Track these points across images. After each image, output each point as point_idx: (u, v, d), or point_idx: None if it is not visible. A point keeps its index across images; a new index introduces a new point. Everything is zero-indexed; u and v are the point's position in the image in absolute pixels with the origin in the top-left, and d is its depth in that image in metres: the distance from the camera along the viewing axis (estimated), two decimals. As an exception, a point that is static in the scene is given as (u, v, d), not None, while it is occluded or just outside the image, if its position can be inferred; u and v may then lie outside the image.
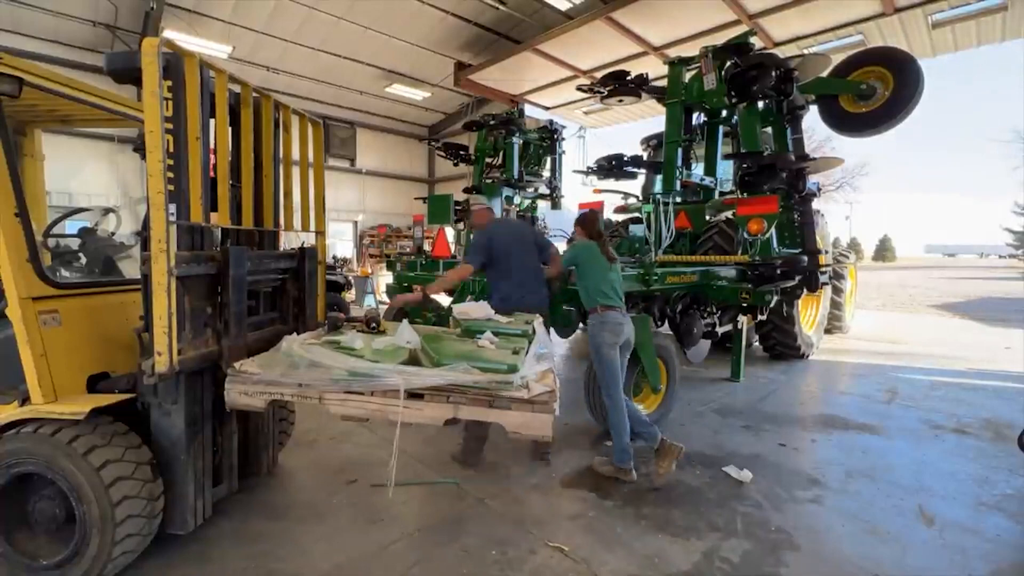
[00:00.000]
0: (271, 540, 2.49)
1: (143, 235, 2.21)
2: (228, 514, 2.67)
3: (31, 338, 2.10)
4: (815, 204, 5.79)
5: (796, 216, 5.46)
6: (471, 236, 4.15)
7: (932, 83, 5.40)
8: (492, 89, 12.96)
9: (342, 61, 12.75)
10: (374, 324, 2.82)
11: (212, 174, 2.35)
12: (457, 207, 8.12)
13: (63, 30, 10.32)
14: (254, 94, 2.62)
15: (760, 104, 5.29)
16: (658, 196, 5.59)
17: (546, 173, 9.18)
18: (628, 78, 6.35)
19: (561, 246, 7.41)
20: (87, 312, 2.41)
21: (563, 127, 9.23)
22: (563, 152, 9.21)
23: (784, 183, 5.03)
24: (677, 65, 5.85)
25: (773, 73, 4.93)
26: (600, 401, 3.53)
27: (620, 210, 7.65)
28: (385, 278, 10.64)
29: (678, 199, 6.03)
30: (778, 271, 4.81)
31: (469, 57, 12.60)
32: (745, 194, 5.17)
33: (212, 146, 2.38)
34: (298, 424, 3.58)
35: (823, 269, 5.56)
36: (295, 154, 2.98)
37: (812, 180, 5.82)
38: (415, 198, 11.80)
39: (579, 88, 7.85)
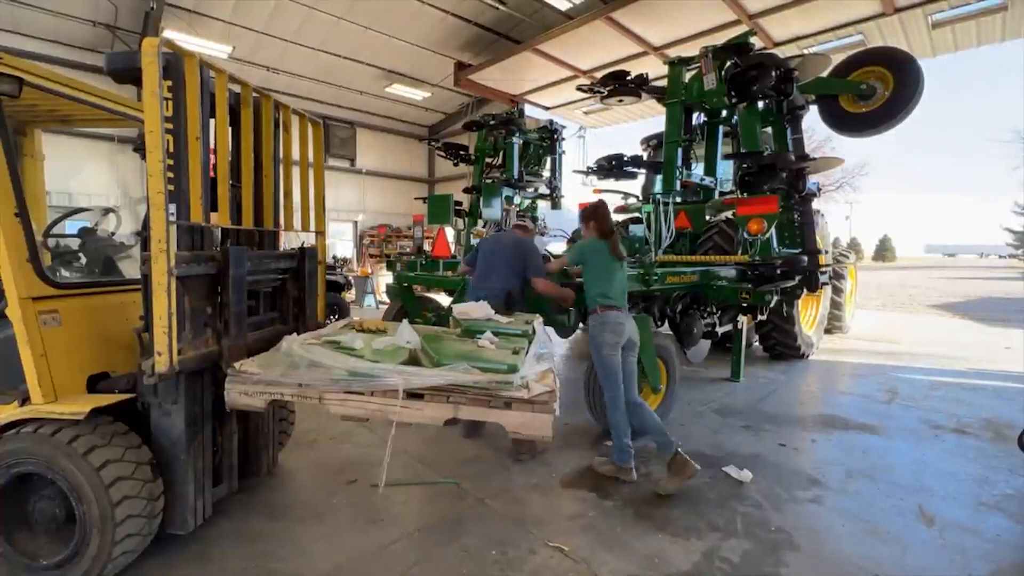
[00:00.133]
0: (271, 540, 2.49)
1: (143, 235, 2.21)
2: (228, 514, 2.67)
3: (31, 338, 2.10)
4: (815, 204, 5.79)
5: (796, 216, 5.46)
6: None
7: (932, 83, 5.40)
8: (492, 89, 12.96)
9: (342, 61, 12.76)
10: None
11: (212, 174, 2.35)
12: (457, 207, 8.13)
13: (63, 30, 10.33)
14: (254, 94, 2.62)
15: (760, 104, 5.29)
16: (658, 196, 5.59)
17: (546, 173, 9.18)
18: (628, 78, 6.35)
19: (561, 246, 7.45)
20: (87, 312, 2.41)
21: (563, 127, 9.23)
22: (563, 152, 9.21)
23: (784, 183, 5.03)
24: (677, 65, 5.85)
25: (773, 73, 4.94)
26: (600, 401, 3.53)
27: (620, 210, 7.65)
28: (385, 278, 10.65)
29: (678, 199, 6.03)
30: (778, 271, 4.81)
31: (469, 57, 12.61)
32: (745, 194, 5.17)
33: (212, 146, 2.38)
34: (298, 424, 3.58)
35: (823, 269, 5.56)
36: (295, 154, 2.98)
37: (812, 180, 5.82)
38: (415, 198, 11.80)
39: (579, 88, 7.85)
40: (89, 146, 10.95)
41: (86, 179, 10.78)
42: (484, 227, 7.98)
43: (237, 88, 2.54)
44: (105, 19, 10.19)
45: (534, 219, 8.78)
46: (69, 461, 1.98)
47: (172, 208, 2.01)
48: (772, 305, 4.87)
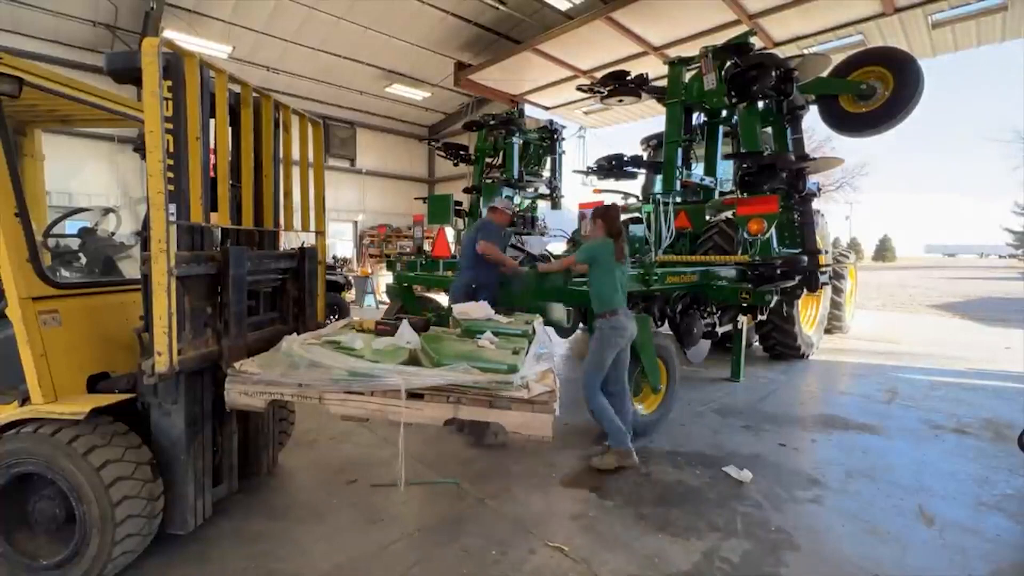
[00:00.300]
0: (271, 540, 2.49)
1: (143, 235, 2.21)
2: (228, 514, 2.67)
3: (31, 338, 2.10)
4: (815, 204, 5.78)
5: (796, 216, 5.46)
6: None
7: (932, 83, 5.40)
8: (492, 89, 12.96)
9: (342, 61, 12.76)
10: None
11: (212, 174, 2.35)
12: (457, 207, 8.12)
13: (63, 30, 10.32)
14: (254, 94, 2.62)
15: (760, 104, 5.29)
16: (658, 196, 5.59)
17: (546, 173, 9.17)
18: (628, 78, 6.35)
19: (561, 246, 7.45)
20: (87, 312, 2.41)
21: (563, 127, 9.22)
22: (563, 152, 9.20)
23: (784, 183, 5.03)
24: (677, 65, 5.85)
25: (773, 73, 4.93)
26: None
27: (620, 210, 7.64)
28: (385, 278, 10.64)
29: (678, 199, 6.03)
30: (778, 271, 4.81)
31: (469, 57, 12.61)
32: (745, 194, 5.17)
33: (212, 146, 2.38)
34: (298, 424, 3.58)
35: (823, 269, 5.56)
36: (295, 154, 2.98)
37: (812, 180, 5.82)
38: (415, 198, 11.80)
39: (579, 88, 7.85)
40: (89, 146, 10.95)
41: (86, 179, 10.78)
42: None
43: (237, 88, 2.54)
44: (105, 19, 10.19)
45: (534, 219, 8.78)
46: (69, 461, 1.98)
47: (172, 208, 2.02)
48: (772, 305, 4.87)
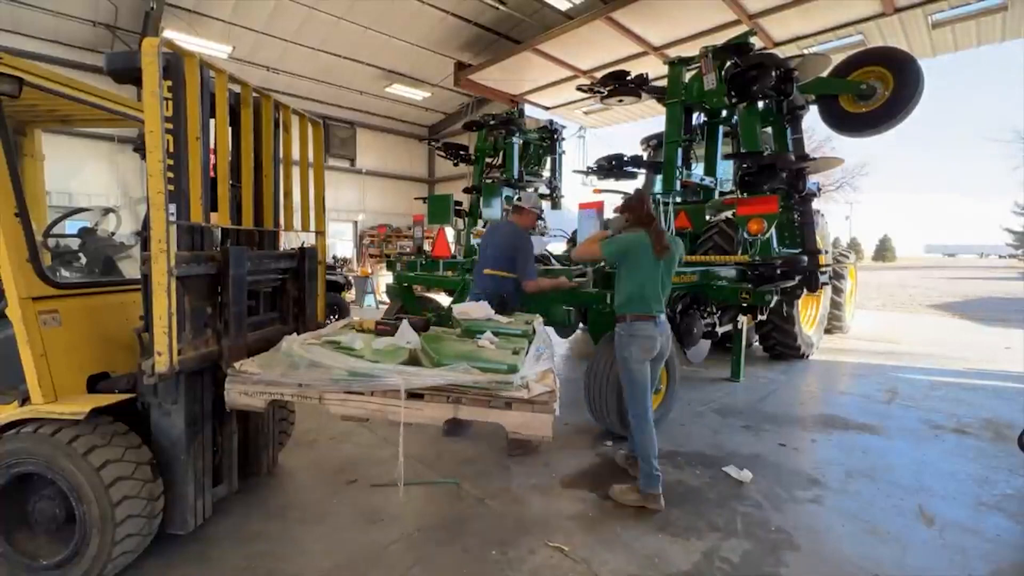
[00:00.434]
0: (271, 540, 2.49)
1: (143, 235, 2.21)
2: (228, 514, 2.67)
3: (31, 338, 2.10)
4: (815, 204, 5.78)
5: (796, 216, 5.45)
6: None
7: (932, 83, 5.40)
8: (492, 89, 12.96)
9: (342, 61, 12.76)
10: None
11: (212, 174, 2.35)
12: (457, 207, 8.12)
13: (63, 30, 10.33)
14: (254, 94, 2.62)
15: (760, 104, 5.29)
16: (658, 196, 5.58)
17: (546, 173, 9.17)
18: (628, 78, 6.34)
19: (561, 246, 7.44)
20: (87, 312, 2.41)
21: (563, 127, 9.21)
22: (563, 152, 9.20)
23: (784, 183, 5.03)
24: (677, 65, 5.84)
25: (773, 73, 4.93)
26: (600, 401, 3.52)
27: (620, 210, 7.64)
28: (385, 278, 10.64)
29: (678, 199, 6.03)
30: (778, 271, 4.81)
31: (469, 57, 12.60)
32: (745, 194, 5.17)
33: (212, 146, 2.38)
34: (298, 424, 3.58)
35: (823, 269, 5.55)
36: (295, 154, 2.98)
37: (812, 180, 5.81)
38: (415, 198, 11.79)
39: (579, 88, 7.84)
40: (89, 146, 10.95)
41: (86, 179, 10.78)
42: (484, 227, 7.98)
43: (237, 88, 2.54)
44: (105, 19, 10.19)
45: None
46: (69, 461, 1.98)
47: (172, 208, 2.01)
48: (772, 305, 4.87)
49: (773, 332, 6.36)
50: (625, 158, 6.84)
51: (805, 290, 5.27)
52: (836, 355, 7.09)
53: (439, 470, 3.31)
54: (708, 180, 6.25)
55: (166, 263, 1.98)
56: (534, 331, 2.85)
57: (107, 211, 3.36)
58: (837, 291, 7.83)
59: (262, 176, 2.72)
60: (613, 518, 2.76)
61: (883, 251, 55.17)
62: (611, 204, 7.33)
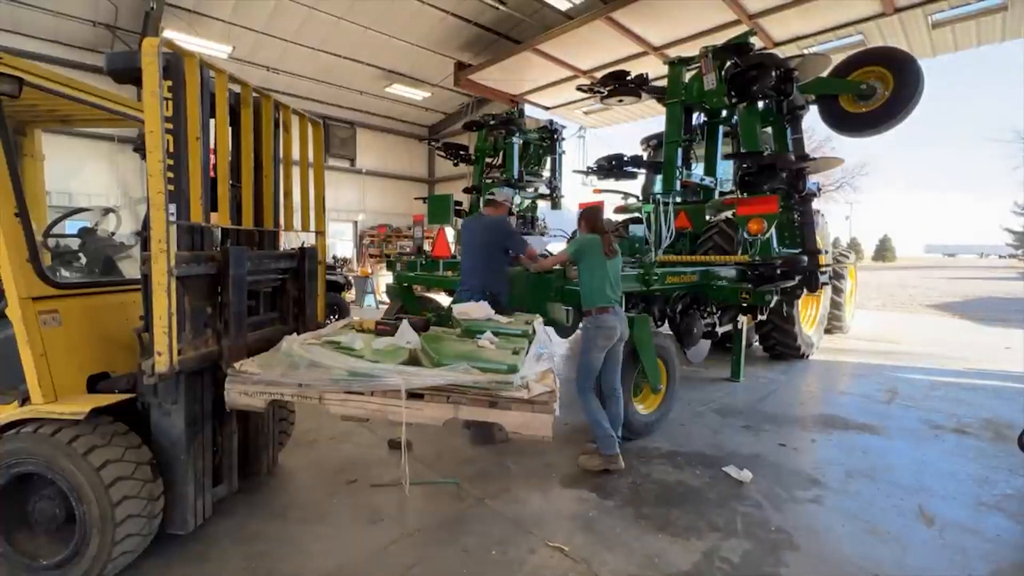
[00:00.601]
0: (271, 540, 2.49)
1: (143, 235, 2.21)
2: (228, 514, 2.67)
3: (31, 338, 2.10)
4: (815, 204, 5.78)
5: (796, 216, 5.45)
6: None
7: (932, 83, 5.39)
8: (492, 89, 12.95)
9: (342, 61, 12.76)
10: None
11: (212, 174, 2.35)
12: (457, 207, 8.12)
13: (63, 30, 10.32)
14: (254, 94, 2.62)
15: (760, 104, 5.29)
16: (658, 196, 5.58)
17: (546, 173, 9.17)
18: (628, 78, 6.35)
19: (560, 246, 7.44)
20: (87, 312, 2.41)
21: (563, 127, 9.22)
22: (563, 152, 9.20)
23: (784, 183, 5.03)
24: (677, 65, 5.85)
25: (773, 73, 4.93)
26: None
27: (620, 210, 7.65)
28: (385, 278, 10.65)
29: (678, 199, 6.03)
30: (778, 271, 4.81)
31: (469, 57, 12.60)
32: (745, 194, 5.17)
33: (212, 146, 2.38)
34: (298, 424, 3.58)
35: (823, 269, 5.55)
36: (295, 154, 2.98)
37: (812, 180, 5.81)
38: (415, 198, 11.80)
39: (579, 88, 7.85)
40: (89, 146, 10.95)
41: (86, 179, 10.77)
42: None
43: (237, 88, 2.55)
44: (105, 19, 10.18)
45: (534, 219, 8.78)
46: (69, 461, 1.98)
47: (172, 208, 2.02)
48: (772, 305, 4.87)
49: (773, 332, 6.36)
50: (625, 158, 6.84)
51: (805, 290, 5.28)
52: (836, 355, 7.09)
53: (439, 470, 3.31)
54: (708, 180, 6.25)
55: (166, 263, 1.98)
56: (534, 331, 2.85)
57: (107, 211, 3.36)
58: (837, 291, 7.83)
59: (262, 176, 2.72)
60: (613, 518, 2.76)
61: (883, 251, 55.15)
62: (611, 204, 7.37)
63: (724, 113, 6.02)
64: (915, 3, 8.19)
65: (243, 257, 2.42)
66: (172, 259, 2.01)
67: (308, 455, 3.54)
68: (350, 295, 11.52)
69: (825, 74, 5.52)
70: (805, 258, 5.15)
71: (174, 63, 2.08)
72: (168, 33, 10.16)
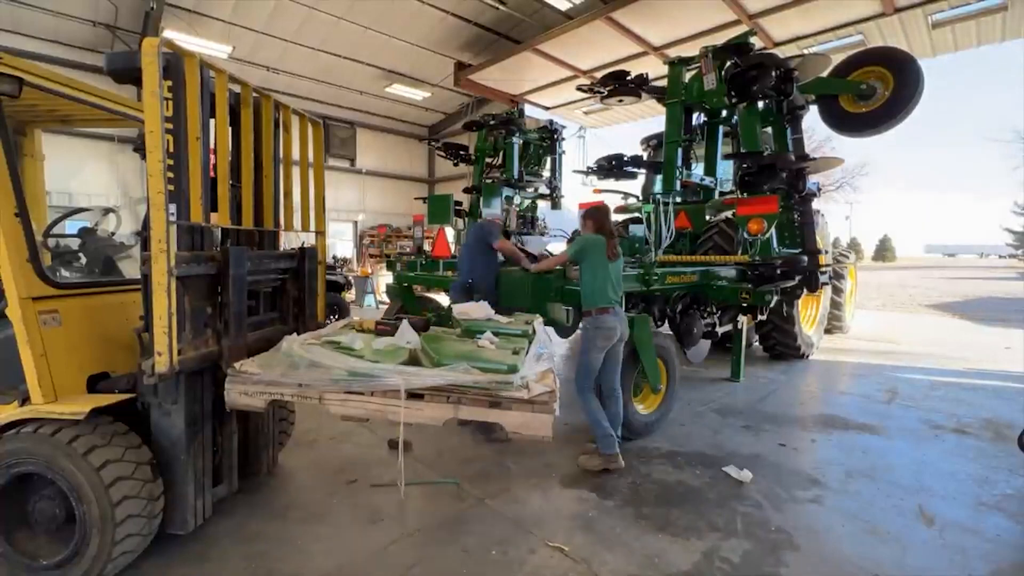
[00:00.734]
0: (271, 540, 2.49)
1: (143, 235, 2.21)
2: (228, 514, 2.67)
3: (31, 338, 2.10)
4: (815, 204, 5.78)
5: (796, 216, 5.46)
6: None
7: (932, 83, 5.39)
8: (492, 89, 12.95)
9: (342, 61, 12.75)
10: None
11: (212, 174, 2.35)
12: (457, 207, 8.13)
13: (63, 30, 10.32)
14: (254, 94, 2.62)
15: (760, 104, 5.29)
16: (658, 196, 5.59)
17: (546, 173, 9.17)
18: (628, 78, 6.35)
19: (560, 246, 7.45)
20: (87, 312, 2.41)
21: (563, 127, 9.22)
22: (563, 152, 9.20)
23: (784, 183, 5.03)
24: (677, 65, 5.85)
25: (773, 73, 4.93)
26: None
27: (620, 210, 7.66)
28: (385, 278, 10.65)
29: (678, 199, 6.03)
30: (778, 271, 4.81)
31: (469, 57, 12.60)
32: (745, 194, 5.17)
33: (212, 146, 2.38)
34: (298, 424, 3.58)
35: (823, 269, 5.56)
36: (295, 154, 2.98)
37: (812, 180, 5.82)
38: (415, 198, 11.80)
39: (579, 88, 7.85)
40: (89, 146, 10.95)
41: (86, 179, 10.77)
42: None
43: (237, 88, 2.55)
44: (105, 19, 10.18)
45: (534, 220, 8.78)
46: (69, 461, 1.98)
47: (172, 208, 2.02)
48: (772, 305, 4.87)
49: (773, 332, 6.36)
50: (625, 158, 6.84)
51: (805, 290, 5.28)
52: (836, 355, 7.09)
53: (439, 470, 3.31)
54: (708, 180, 6.26)
55: (166, 263, 1.98)
56: (534, 331, 2.85)
57: (107, 211, 3.36)
58: (837, 291, 7.83)
59: (262, 176, 2.72)
60: (613, 518, 2.76)
61: (883, 251, 55.11)
62: (611, 204, 7.37)
63: (724, 113, 6.02)
64: (915, 3, 8.19)
65: (243, 257, 2.42)
66: (172, 259, 2.01)
67: (308, 455, 3.54)
68: (350, 295, 11.52)
69: (825, 74, 5.52)
70: (805, 258, 5.15)
71: (174, 63, 2.08)
72: (168, 33, 10.16)
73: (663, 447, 3.76)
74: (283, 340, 2.44)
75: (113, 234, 3.19)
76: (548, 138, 8.99)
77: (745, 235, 4.92)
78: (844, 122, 5.52)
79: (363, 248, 17.24)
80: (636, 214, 7.06)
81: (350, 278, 11.58)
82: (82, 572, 2.03)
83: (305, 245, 3.01)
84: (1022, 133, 34.10)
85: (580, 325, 3.42)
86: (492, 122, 8.50)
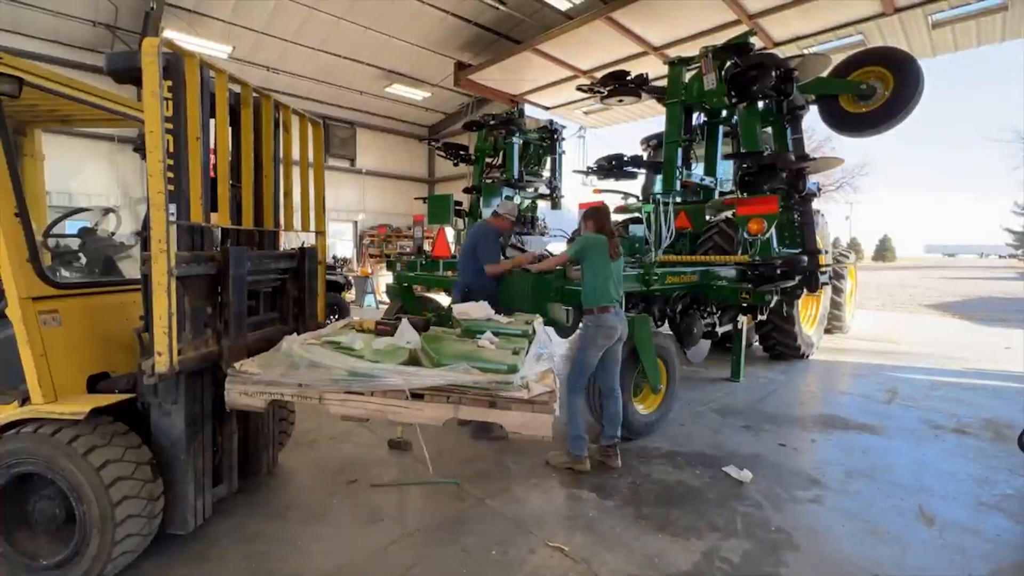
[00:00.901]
0: (271, 540, 2.49)
1: (143, 235, 2.21)
2: (228, 514, 2.67)
3: (31, 338, 2.10)
4: (815, 204, 5.79)
5: (796, 216, 5.46)
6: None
7: (932, 83, 5.39)
8: (492, 89, 12.96)
9: (342, 61, 12.76)
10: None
11: (212, 174, 2.35)
12: (457, 207, 8.13)
13: (63, 30, 10.32)
14: (254, 94, 2.62)
15: (760, 104, 5.29)
16: (658, 196, 5.58)
17: (546, 173, 9.17)
18: (628, 78, 6.35)
19: (560, 246, 7.45)
20: (87, 312, 2.41)
21: (563, 127, 9.22)
22: (563, 152, 9.20)
23: (784, 183, 5.03)
24: (677, 65, 5.85)
25: (773, 73, 4.93)
26: (600, 401, 3.53)
27: (620, 210, 7.66)
28: (385, 278, 10.64)
29: (678, 199, 6.03)
30: (778, 271, 4.81)
31: (469, 57, 12.60)
32: (745, 194, 5.17)
33: (212, 146, 2.38)
34: (298, 424, 3.58)
35: (823, 269, 5.56)
36: (295, 154, 2.98)
37: (812, 180, 5.82)
38: (415, 198, 11.80)
39: (579, 88, 7.85)
40: (89, 146, 10.95)
41: (86, 179, 10.77)
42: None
43: (237, 88, 2.54)
44: (105, 19, 10.18)
45: (534, 219, 8.78)
46: (69, 461, 1.98)
47: (172, 208, 2.02)
48: (772, 305, 4.87)
49: (773, 332, 6.36)
50: (625, 158, 6.84)
51: (805, 290, 5.28)
52: (836, 355, 7.09)
53: (439, 470, 3.30)
54: (708, 180, 6.25)
55: (166, 263, 1.98)
56: (534, 331, 2.85)
57: (107, 211, 3.36)
58: (837, 291, 7.83)
59: (262, 176, 2.72)
60: (613, 518, 2.76)
61: (883, 251, 55.08)
62: (611, 204, 7.36)
63: (724, 113, 6.02)
64: (915, 3, 8.19)
65: (243, 257, 2.42)
66: (172, 259, 2.01)
67: (308, 455, 3.54)
68: (350, 295, 11.53)
69: (825, 74, 5.52)
70: (805, 258, 5.15)
71: (174, 63, 2.08)
72: (168, 33, 10.16)
73: (663, 447, 3.76)
74: (283, 340, 2.44)
75: (113, 234, 3.19)
76: (548, 138, 8.99)
77: (745, 235, 4.92)
78: (844, 122, 5.52)
79: (363, 248, 17.24)
80: (636, 214, 7.06)
81: (350, 278, 11.58)
82: (82, 572, 2.03)
83: (305, 245, 3.01)
84: (1022, 133, 34.16)
85: (580, 324, 3.41)
86: (492, 122, 8.50)
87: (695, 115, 6.09)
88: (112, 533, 2.00)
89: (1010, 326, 9.75)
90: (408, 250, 11.97)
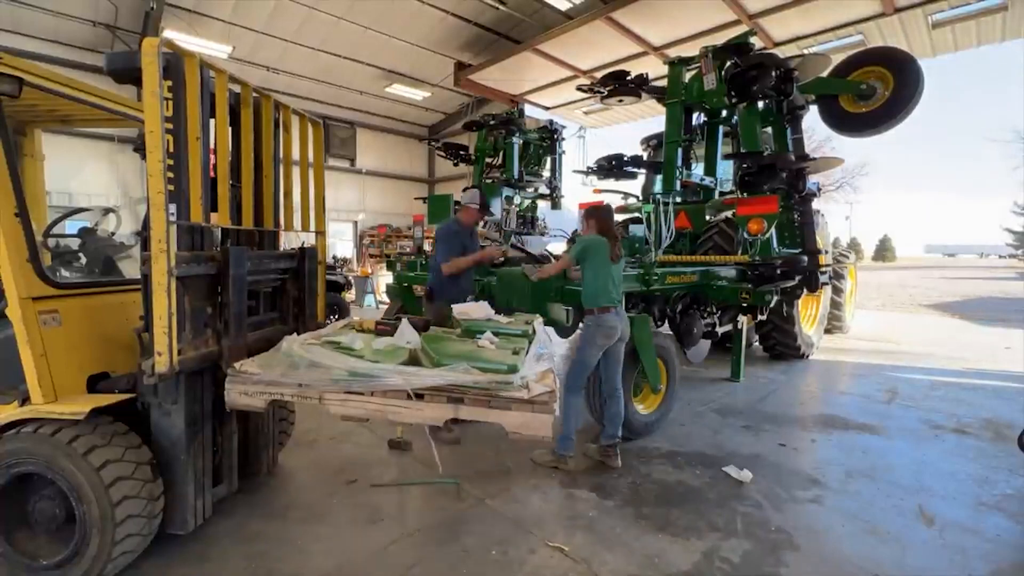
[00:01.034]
0: (271, 540, 2.49)
1: (143, 235, 2.21)
2: (228, 514, 2.67)
3: (31, 338, 2.10)
4: (815, 204, 5.79)
5: (796, 216, 5.46)
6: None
7: (932, 83, 5.39)
8: (492, 89, 12.96)
9: (342, 61, 12.76)
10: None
11: (212, 174, 2.35)
12: (457, 207, 8.12)
13: (63, 30, 10.32)
14: (254, 94, 2.62)
15: (760, 104, 5.29)
16: (658, 196, 5.59)
17: (546, 173, 9.18)
18: (628, 78, 6.35)
19: (560, 246, 7.45)
20: (87, 312, 2.40)
21: (563, 127, 9.23)
22: (563, 152, 9.21)
23: (784, 183, 5.03)
24: (677, 65, 5.85)
25: (773, 73, 4.93)
26: (600, 400, 3.54)
27: (620, 210, 7.65)
28: (385, 278, 10.65)
29: (678, 199, 6.03)
30: (778, 271, 4.81)
31: (469, 57, 12.60)
32: (745, 194, 5.17)
33: (212, 146, 2.38)
34: (298, 424, 3.57)
35: (823, 269, 5.56)
36: (295, 154, 2.98)
37: (812, 180, 5.82)
38: (415, 198, 11.80)
39: (579, 88, 7.85)
40: (89, 146, 10.95)
41: (86, 179, 10.77)
42: (484, 227, 7.97)
43: (237, 88, 2.54)
44: (105, 19, 10.18)
45: (534, 220, 8.78)
46: (69, 461, 1.98)
47: (172, 208, 2.02)
48: (772, 305, 4.87)
49: (773, 332, 6.36)
50: (625, 158, 6.84)
51: (805, 290, 5.28)
52: (836, 355, 7.09)
53: (439, 470, 3.31)
54: (708, 180, 6.25)
55: (166, 263, 1.98)
56: (534, 331, 2.85)
57: (107, 211, 3.36)
58: (837, 291, 7.83)
59: (262, 176, 2.72)
60: (613, 518, 2.76)
61: (883, 251, 55.06)
62: (611, 204, 7.35)
63: (724, 113, 6.02)
64: (915, 3, 8.20)
65: (243, 257, 2.42)
66: (172, 259, 2.01)
67: (308, 455, 3.54)
68: (350, 295, 11.52)
69: (825, 74, 5.52)
70: (805, 258, 5.15)
71: (174, 63, 2.08)
72: (168, 33, 10.16)
73: (663, 447, 3.76)
74: (283, 340, 2.44)
75: (113, 234, 3.19)
76: (548, 138, 9.00)
77: (745, 235, 4.92)
78: (844, 122, 5.52)
79: (363, 248, 17.24)
80: (636, 214, 7.06)
81: (350, 278, 11.58)
82: (82, 572, 2.03)
83: (305, 245, 3.01)
84: (1022, 133, 34.10)
85: (580, 324, 3.41)
86: (492, 122, 8.50)
87: (695, 115, 6.09)
88: (112, 533, 2.00)
89: (1010, 326, 9.75)
90: (408, 250, 11.96)
